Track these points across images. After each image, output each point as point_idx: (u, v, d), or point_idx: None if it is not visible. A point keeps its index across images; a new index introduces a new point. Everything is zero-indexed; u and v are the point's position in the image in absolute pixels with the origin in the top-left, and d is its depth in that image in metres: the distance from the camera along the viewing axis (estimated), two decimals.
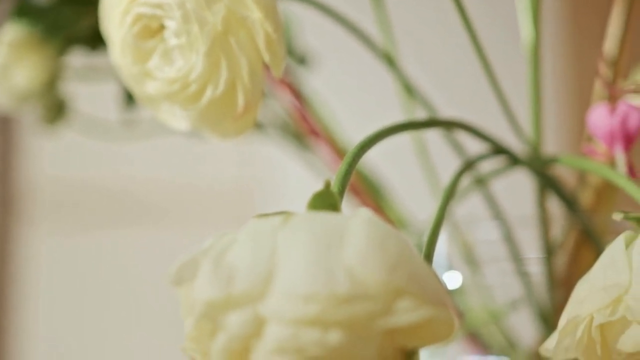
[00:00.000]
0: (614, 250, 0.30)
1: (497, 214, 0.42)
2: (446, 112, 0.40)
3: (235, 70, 0.31)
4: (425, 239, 0.30)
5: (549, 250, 0.42)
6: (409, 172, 0.45)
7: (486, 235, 0.44)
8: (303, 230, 0.25)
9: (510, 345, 0.43)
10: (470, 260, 0.45)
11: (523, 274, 0.42)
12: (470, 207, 0.44)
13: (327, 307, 0.23)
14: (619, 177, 0.34)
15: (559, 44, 0.88)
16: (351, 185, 0.44)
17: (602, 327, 0.29)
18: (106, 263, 1.03)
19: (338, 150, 0.44)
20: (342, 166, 0.29)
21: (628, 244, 0.30)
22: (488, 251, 0.44)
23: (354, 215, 0.25)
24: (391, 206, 0.44)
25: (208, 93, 0.31)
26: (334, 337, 0.23)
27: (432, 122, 0.33)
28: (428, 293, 0.24)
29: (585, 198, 0.43)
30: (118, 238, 1.02)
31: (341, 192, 0.28)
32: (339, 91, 0.58)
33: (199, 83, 0.31)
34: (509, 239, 0.42)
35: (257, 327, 0.24)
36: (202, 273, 0.25)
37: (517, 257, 0.42)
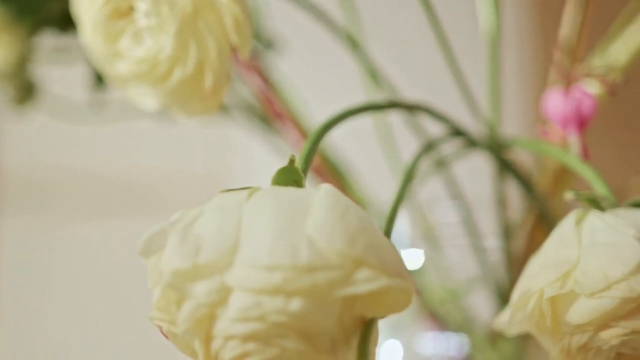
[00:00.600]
0: (564, 228, 0.32)
1: (458, 196, 0.43)
2: (411, 95, 0.41)
3: (203, 51, 0.32)
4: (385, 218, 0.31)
5: (507, 232, 0.43)
6: (373, 154, 0.46)
7: (447, 217, 0.45)
8: (267, 204, 0.26)
9: (467, 322, 0.44)
10: (431, 240, 0.46)
11: (482, 254, 0.44)
12: (433, 188, 0.45)
13: (289, 276, 0.24)
14: (572, 159, 0.35)
15: (523, 28, 0.90)
16: (315, 165, 0.45)
17: (552, 300, 0.31)
18: (74, 252, 1.02)
19: (304, 133, 0.45)
20: (305, 145, 0.30)
21: (578, 221, 0.32)
22: (449, 232, 0.46)
23: (317, 190, 0.26)
24: (353, 187, 0.45)
25: (177, 73, 0.32)
26: (296, 305, 0.24)
27: (391, 104, 0.34)
28: (386, 264, 0.25)
29: (543, 180, 0.45)
30: (87, 226, 1.01)
31: (305, 170, 0.29)
32: (307, 75, 0.59)
33: (168, 63, 0.32)
34: (469, 221, 0.43)
35: (222, 295, 0.25)
36: (169, 244, 0.26)
37: (476, 238, 0.43)
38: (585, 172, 0.34)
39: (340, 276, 0.25)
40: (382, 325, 0.46)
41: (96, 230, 1.00)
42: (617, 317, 0.30)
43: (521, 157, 0.43)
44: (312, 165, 0.42)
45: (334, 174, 0.45)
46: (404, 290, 0.26)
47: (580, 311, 0.30)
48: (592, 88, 0.36)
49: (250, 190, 0.27)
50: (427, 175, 0.42)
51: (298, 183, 0.28)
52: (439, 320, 0.45)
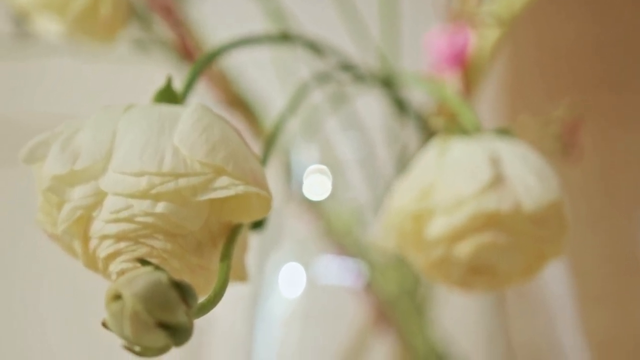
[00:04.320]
0: (429, 151, 0.35)
1: (361, 129, 0.46)
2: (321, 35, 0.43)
3: None
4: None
5: (404, 164, 0.46)
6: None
7: (352, 149, 0.48)
8: (141, 117, 0.29)
9: (365, 249, 0.47)
10: (337, 170, 0.49)
11: (381, 185, 0.47)
12: (338, 122, 0.48)
13: (154, 181, 0.27)
14: (445, 92, 0.38)
15: None
16: (228, 97, 0.47)
17: (413, 217, 0.34)
18: None
19: (217, 72, 0.48)
20: (190, 70, 0.32)
21: (442, 145, 0.35)
22: (352, 162, 0.48)
23: (188, 106, 0.29)
24: (262, 120, 0.47)
25: (76, 2, 0.35)
26: (161, 207, 0.27)
27: (283, 37, 0.37)
28: (244, 173, 0.28)
29: (441, 115, 0.47)
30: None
31: (185, 93, 0.32)
32: (226, 17, 0.61)
33: None
34: (369, 152, 0.46)
35: (97, 199, 0.28)
36: (51, 152, 0.28)
37: (377, 170, 0.46)
38: (455, 103, 0.36)
39: (201, 182, 0.27)
40: (286, 248, 0.49)
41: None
42: (467, 233, 0.33)
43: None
44: (224, 98, 0.44)
45: (244, 106, 0.47)
46: (261, 197, 0.28)
47: (435, 227, 0.33)
48: (471, 29, 0.39)
49: (127, 106, 0.29)
50: (332, 108, 0.45)
51: (175, 102, 0.31)
52: (342, 246, 0.48)
